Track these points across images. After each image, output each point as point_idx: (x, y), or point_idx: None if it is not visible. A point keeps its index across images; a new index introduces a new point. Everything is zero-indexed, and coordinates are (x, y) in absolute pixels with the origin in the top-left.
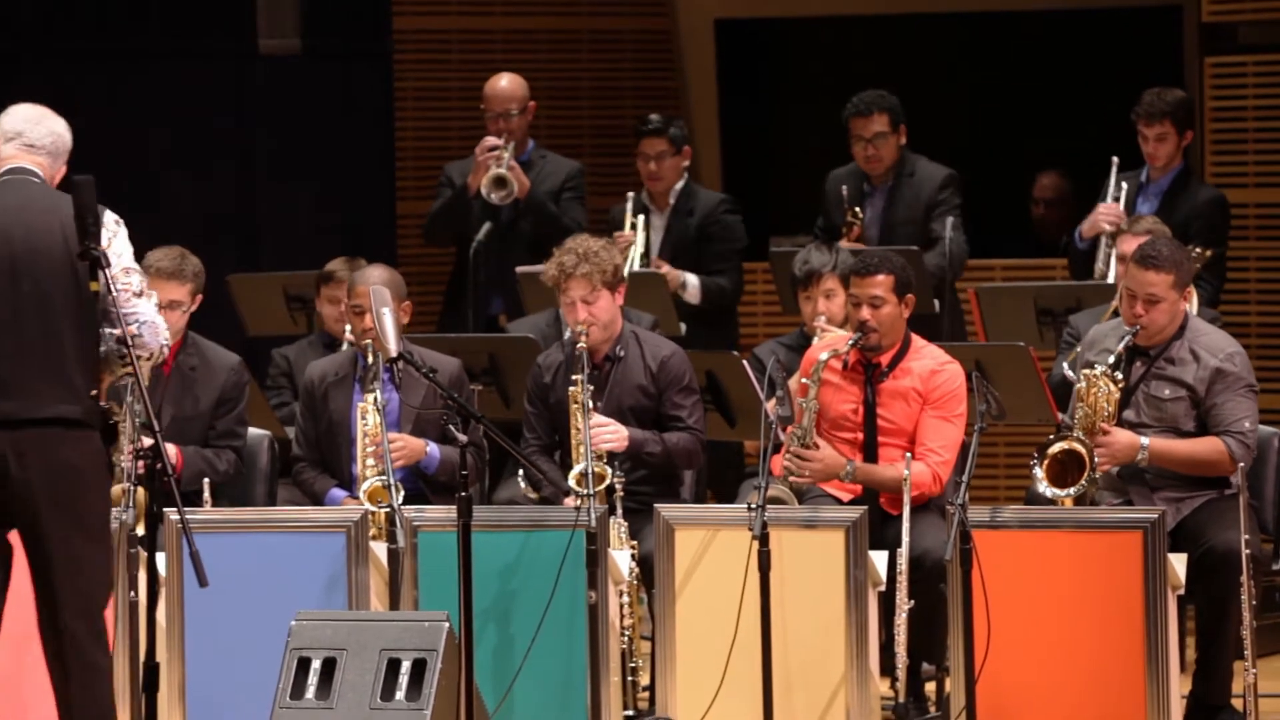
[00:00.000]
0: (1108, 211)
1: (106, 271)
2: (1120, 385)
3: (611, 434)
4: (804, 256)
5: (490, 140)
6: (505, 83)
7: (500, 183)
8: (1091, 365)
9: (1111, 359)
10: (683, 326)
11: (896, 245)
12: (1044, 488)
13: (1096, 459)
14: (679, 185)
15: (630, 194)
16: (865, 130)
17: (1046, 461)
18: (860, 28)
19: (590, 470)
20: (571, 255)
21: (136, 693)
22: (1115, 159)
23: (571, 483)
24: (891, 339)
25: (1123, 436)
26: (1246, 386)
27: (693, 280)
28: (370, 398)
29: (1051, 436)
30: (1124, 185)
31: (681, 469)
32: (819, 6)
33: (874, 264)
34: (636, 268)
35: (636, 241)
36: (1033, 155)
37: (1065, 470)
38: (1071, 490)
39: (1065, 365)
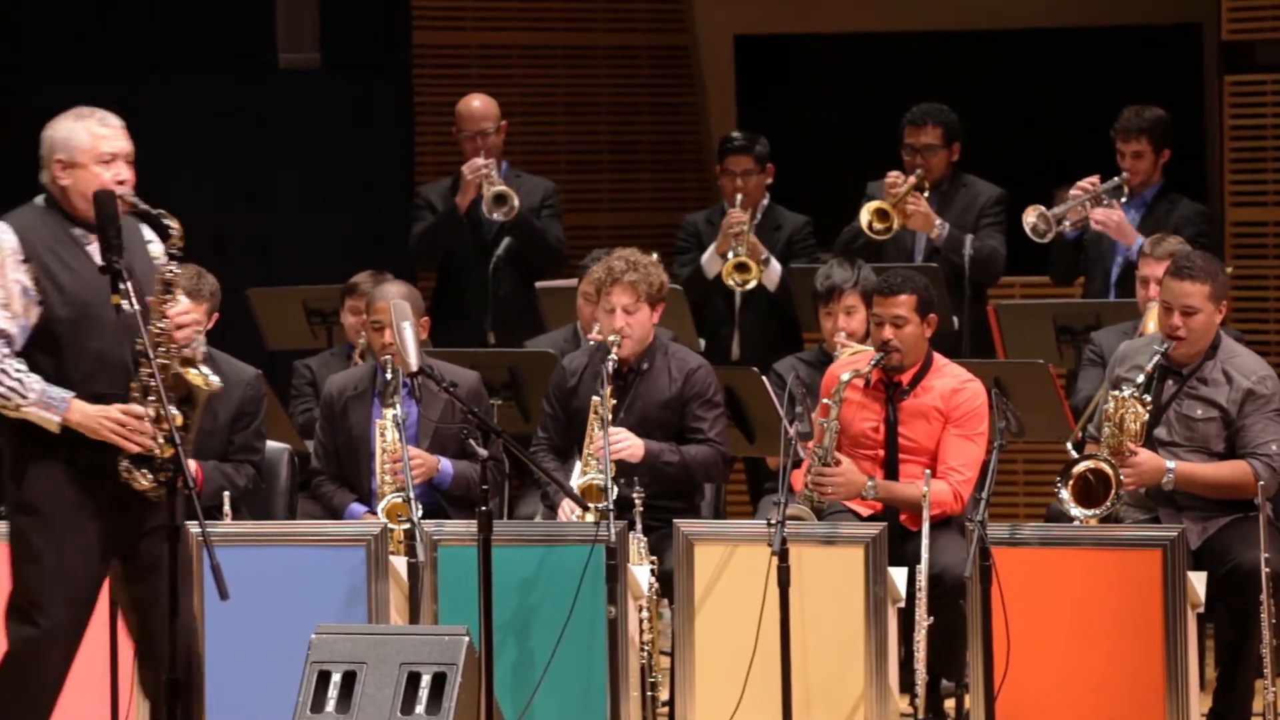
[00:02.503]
0: (1087, 180)
1: (127, 285)
2: (1149, 407)
3: (626, 446)
4: (826, 272)
5: (478, 160)
6: (478, 103)
7: (501, 199)
8: (1120, 386)
9: (1140, 378)
10: (701, 342)
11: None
12: (1071, 508)
13: (1123, 480)
14: (764, 202)
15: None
16: (915, 139)
17: (1072, 481)
18: (878, 44)
19: (608, 484)
20: (621, 262)
21: (158, 706)
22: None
23: (575, 488)
24: (913, 358)
25: (1150, 460)
26: (1276, 410)
27: (776, 265)
28: (389, 414)
29: (1076, 455)
30: (1121, 189)
31: (700, 482)
32: (837, 23)
33: (897, 284)
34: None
35: (748, 223)
36: (1052, 171)
37: (1091, 489)
38: (1098, 511)
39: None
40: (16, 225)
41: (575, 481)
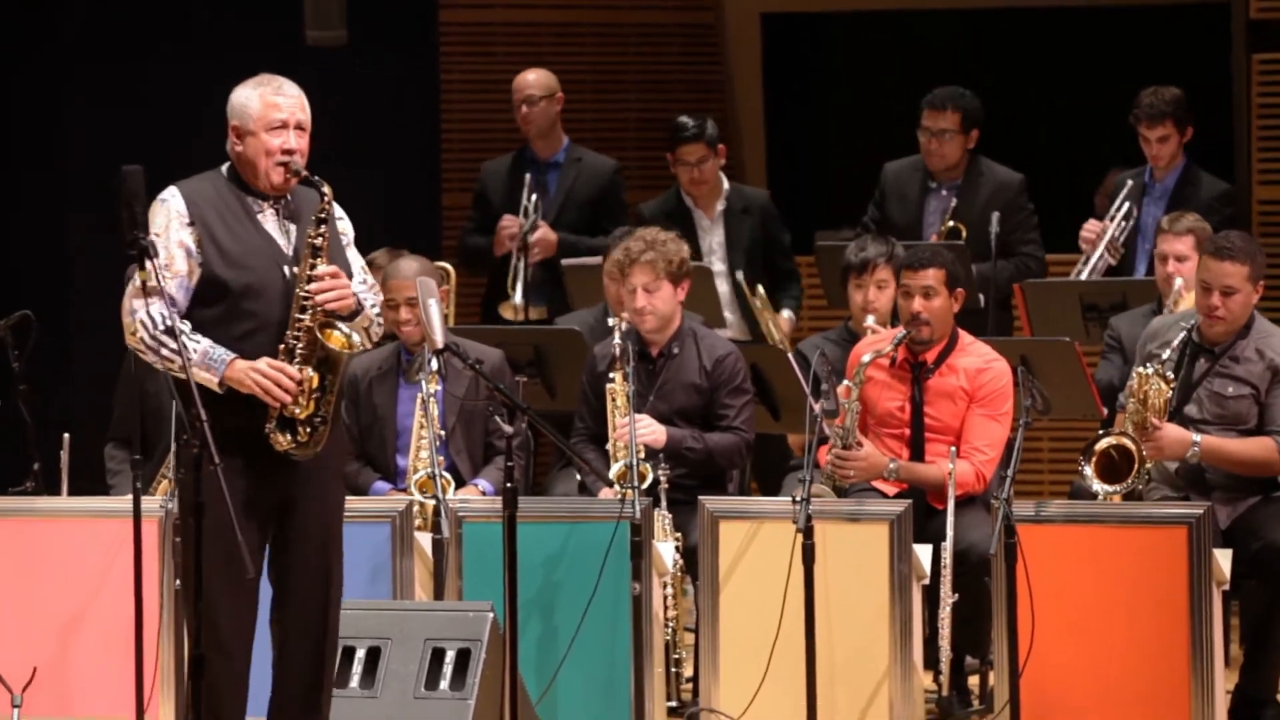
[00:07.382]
0: (1089, 229)
1: (155, 261)
2: (1173, 383)
3: (649, 432)
4: (860, 244)
5: (508, 225)
6: (532, 76)
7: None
8: (1146, 362)
9: (1165, 354)
10: (728, 317)
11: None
12: (1095, 485)
13: (1146, 453)
14: (726, 187)
15: None
16: (934, 124)
17: (1095, 458)
18: (906, 22)
19: (635, 466)
20: (639, 242)
21: (182, 682)
22: (1129, 182)
23: (613, 477)
24: (941, 331)
25: (1173, 432)
26: None
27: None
28: (429, 388)
29: (1099, 433)
30: (1126, 205)
31: (723, 468)
32: (864, 0)
33: (926, 257)
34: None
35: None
36: (1079, 151)
37: (1115, 466)
38: (1120, 487)
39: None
40: (185, 190)
41: (614, 470)
